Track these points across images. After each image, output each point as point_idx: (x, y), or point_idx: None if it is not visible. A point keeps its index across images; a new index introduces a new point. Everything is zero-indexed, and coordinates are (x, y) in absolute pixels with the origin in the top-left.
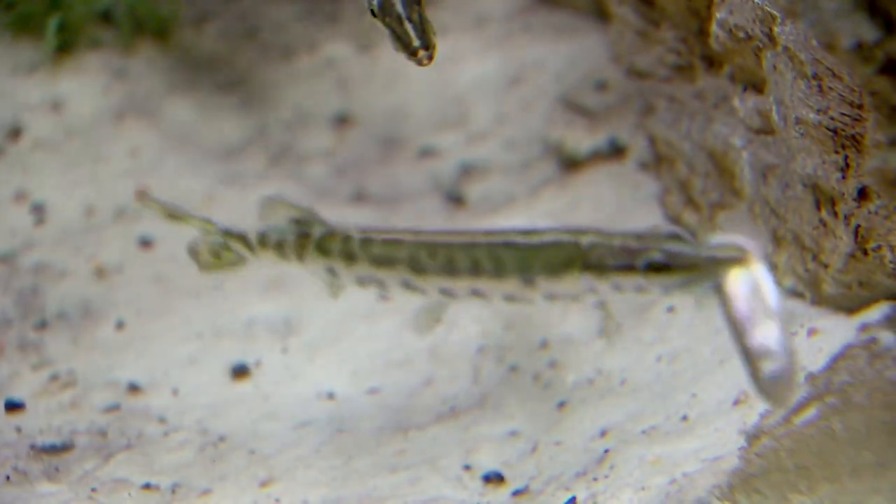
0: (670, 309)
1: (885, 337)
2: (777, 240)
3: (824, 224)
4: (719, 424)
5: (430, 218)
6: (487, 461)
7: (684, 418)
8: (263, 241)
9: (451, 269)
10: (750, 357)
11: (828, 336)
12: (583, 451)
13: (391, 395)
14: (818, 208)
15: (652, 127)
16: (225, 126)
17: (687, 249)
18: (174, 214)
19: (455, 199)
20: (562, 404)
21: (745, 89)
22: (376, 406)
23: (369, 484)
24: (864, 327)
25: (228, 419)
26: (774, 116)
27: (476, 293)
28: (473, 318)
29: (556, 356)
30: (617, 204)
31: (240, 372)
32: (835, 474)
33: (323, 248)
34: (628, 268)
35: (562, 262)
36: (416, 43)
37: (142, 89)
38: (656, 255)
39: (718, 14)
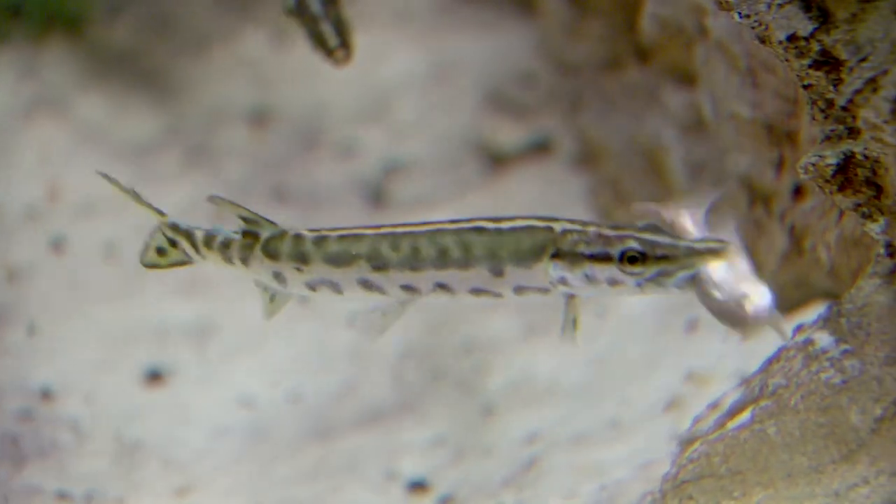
0: (600, 313)
1: (820, 338)
2: None
3: (759, 223)
4: (650, 429)
5: (353, 217)
6: (411, 469)
7: (614, 423)
8: (209, 241)
9: (415, 261)
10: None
11: (762, 338)
12: (510, 458)
13: (312, 400)
14: (752, 207)
15: (582, 122)
16: (138, 122)
17: (664, 240)
18: (130, 195)
19: (378, 198)
20: (488, 409)
21: (676, 84)
22: (296, 412)
23: (289, 492)
24: (799, 328)
25: (143, 426)
26: (707, 111)
27: (441, 287)
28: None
29: (482, 359)
30: (546, 202)
31: (155, 377)
32: (769, 479)
33: (270, 250)
34: (603, 257)
35: (533, 247)
36: (332, 43)
37: (53, 85)
38: (633, 245)
39: (649, 6)
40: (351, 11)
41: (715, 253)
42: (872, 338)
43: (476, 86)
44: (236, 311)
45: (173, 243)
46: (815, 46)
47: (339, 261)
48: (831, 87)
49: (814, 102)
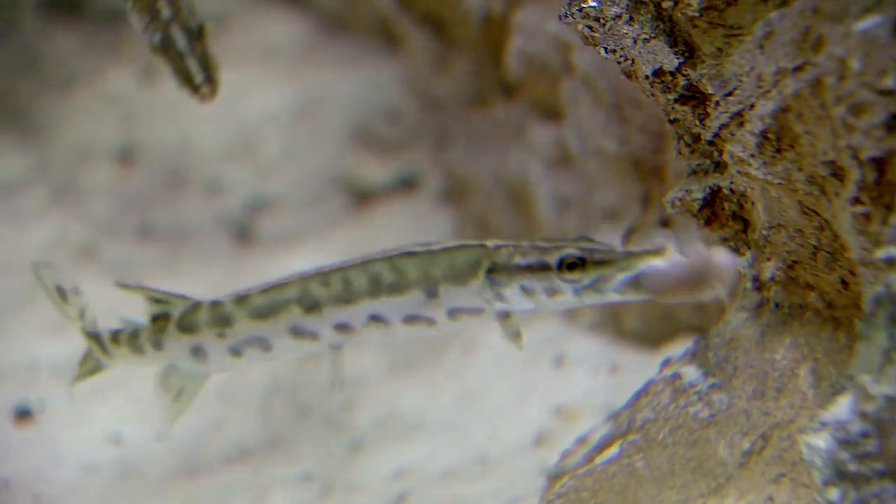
0: (466, 349)
1: (688, 372)
2: None
3: None
4: (519, 464)
5: (219, 255)
6: None
7: (482, 459)
8: (116, 337)
9: (348, 293)
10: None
11: (630, 372)
12: (378, 494)
13: (180, 438)
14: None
15: (448, 158)
16: (4, 161)
17: (601, 246)
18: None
19: (244, 235)
20: (355, 446)
21: (542, 119)
22: (164, 449)
23: None
24: (667, 362)
25: (12, 463)
26: (573, 147)
27: (375, 319)
28: None
29: (349, 396)
30: (412, 237)
31: (23, 415)
32: None
33: (186, 324)
34: (541, 266)
35: (467, 263)
36: (198, 79)
37: None
38: (571, 251)
39: (514, 42)
40: (216, 48)
41: (653, 254)
42: (740, 371)
43: (342, 122)
44: None
45: (85, 356)
46: (682, 81)
47: (267, 311)
48: (697, 122)
49: (680, 137)
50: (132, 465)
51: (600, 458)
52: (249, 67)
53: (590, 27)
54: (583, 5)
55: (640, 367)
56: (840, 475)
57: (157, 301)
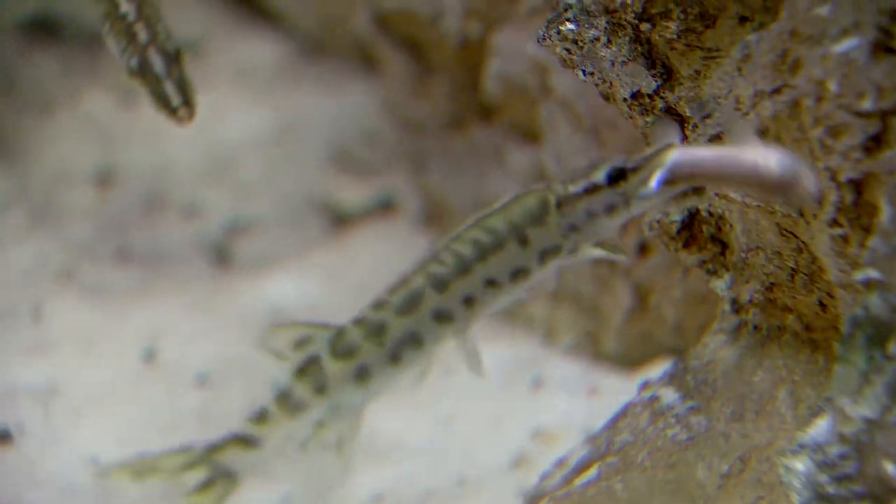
0: (445, 372)
1: (666, 394)
2: (555, 297)
3: (602, 279)
4: (497, 487)
5: (197, 277)
6: None
7: (461, 481)
8: (262, 417)
9: (462, 263)
10: (751, 172)
11: (608, 394)
12: None
13: None
14: (596, 263)
15: (426, 181)
16: None
17: (622, 157)
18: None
19: (222, 258)
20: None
21: (520, 142)
22: None
23: None
24: (645, 385)
25: None
26: (551, 169)
27: (490, 284)
28: (244, 377)
29: (327, 417)
30: (391, 261)
31: (2, 438)
32: None
33: (343, 349)
34: (593, 187)
35: (539, 204)
36: (175, 102)
37: None
38: (613, 163)
39: (492, 65)
40: (194, 71)
41: (668, 148)
42: (718, 394)
43: (320, 145)
44: (82, 372)
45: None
46: (660, 103)
47: (409, 304)
48: None
49: None
50: (111, 487)
51: (579, 481)
52: (227, 90)
53: (568, 50)
54: (561, 28)
55: (619, 389)
56: (818, 497)
57: (302, 342)
